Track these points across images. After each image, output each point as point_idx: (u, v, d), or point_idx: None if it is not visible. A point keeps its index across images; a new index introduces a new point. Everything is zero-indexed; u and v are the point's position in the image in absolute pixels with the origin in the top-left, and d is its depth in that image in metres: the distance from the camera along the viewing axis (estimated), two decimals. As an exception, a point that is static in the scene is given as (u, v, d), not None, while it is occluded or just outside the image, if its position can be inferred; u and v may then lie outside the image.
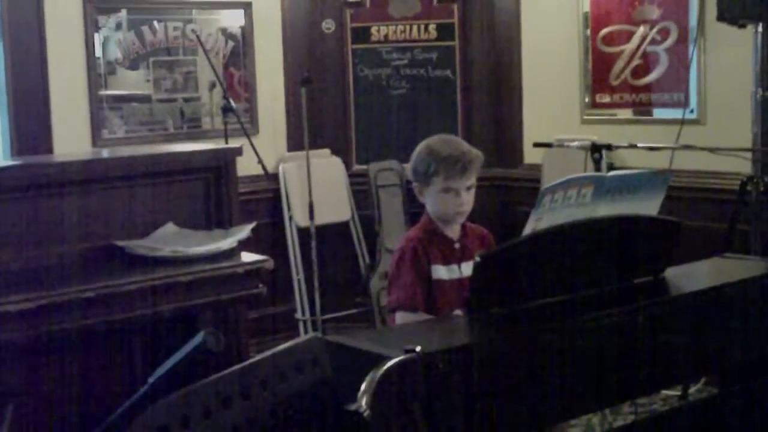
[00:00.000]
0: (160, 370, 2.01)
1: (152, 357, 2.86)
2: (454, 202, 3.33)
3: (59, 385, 3.11)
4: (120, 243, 3.32)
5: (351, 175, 6.68)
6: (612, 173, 2.84)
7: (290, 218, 6.40)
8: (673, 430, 2.97)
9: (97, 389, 3.14)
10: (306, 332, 6.24)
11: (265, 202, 6.42)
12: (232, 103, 5.97)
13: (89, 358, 3.16)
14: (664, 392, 4.68)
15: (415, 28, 6.67)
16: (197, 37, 6.08)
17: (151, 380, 2.01)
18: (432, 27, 6.66)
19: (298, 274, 6.39)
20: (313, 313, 6.29)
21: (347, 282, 6.64)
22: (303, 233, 6.31)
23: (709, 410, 3.11)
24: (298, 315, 6.38)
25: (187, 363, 1.96)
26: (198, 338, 1.93)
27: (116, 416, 2.06)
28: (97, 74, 5.87)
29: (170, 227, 3.46)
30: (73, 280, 3.06)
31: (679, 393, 4.72)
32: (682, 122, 5.45)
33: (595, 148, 4.38)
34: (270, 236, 6.19)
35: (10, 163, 3.52)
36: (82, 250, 3.31)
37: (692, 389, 4.73)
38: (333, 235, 6.53)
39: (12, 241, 3.19)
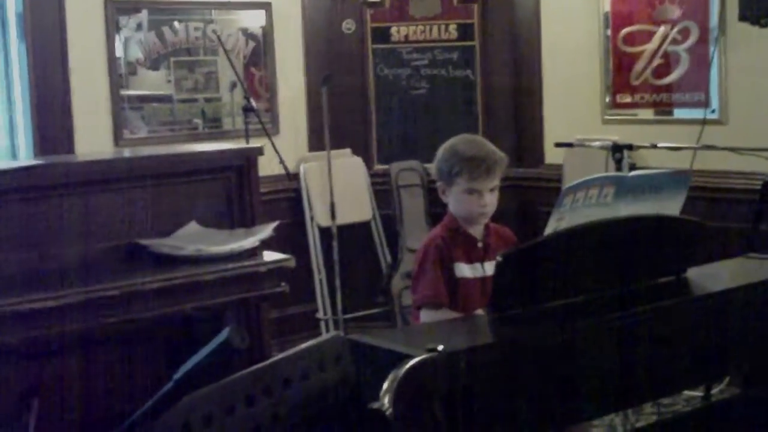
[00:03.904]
0: (185, 367, 2.02)
1: (175, 355, 2.87)
2: (477, 203, 3.33)
3: (83, 382, 3.13)
4: (143, 242, 3.34)
5: (372, 175, 6.69)
6: (633, 173, 2.84)
7: (311, 218, 6.41)
8: (695, 430, 2.97)
9: (120, 386, 3.16)
10: (327, 332, 6.25)
11: (286, 202, 6.43)
12: (253, 104, 5.99)
13: (113, 356, 3.18)
14: (687, 393, 4.64)
15: (435, 28, 6.67)
16: (218, 37, 6.10)
17: (175, 377, 2.02)
18: (452, 27, 6.66)
19: (319, 274, 6.39)
20: (334, 312, 6.30)
21: (368, 282, 6.65)
22: (324, 233, 6.32)
23: (732, 411, 3.10)
24: (320, 314, 6.39)
25: (211, 360, 1.97)
26: (223, 335, 1.94)
27: (140, 413, 2.07)
28: (118, 75, 5.89)
29: (193, 226, 3.47)
30: (96, 279, 3.07)
31: (701, 393, 4.70)
32: (704, 122, 5.44)
33: (617, 148, 4.38)
34: (291, 236, 6.19)
35: (33, 162, 3.54)
36: (105, 248, 3.32)
37: (715, 390, 4.70)
38: (354, 235, 6.53)
39: (35, 240, 3.21)
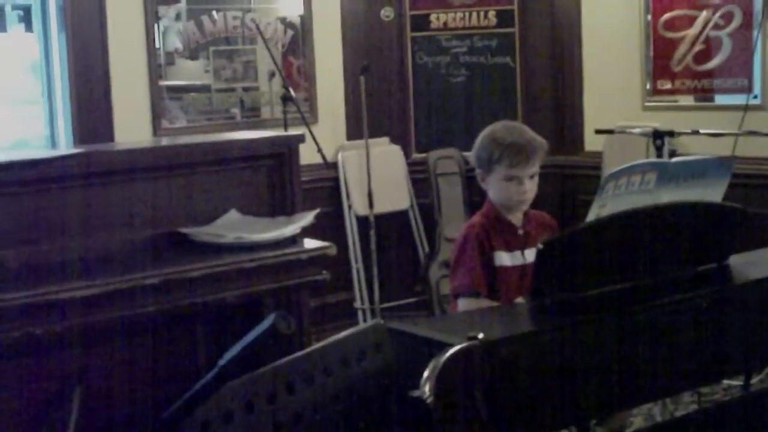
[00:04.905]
0: (230, 353, 2.03)
1: (217, 343, 2.89)
2: (516, 190, 3.32)
3: (126, 370, 3.15)
4: (184, 230, 3.35)
5: (410, 164, 6.68)
6: (675, 159, 2.82)
7: (349, 207, 6.41)
8: (734, 419, 2.94)
9: (162, 374, 3.17)
10: (365, 321, 6.26)
11: (325, 191, 6.44)
12: (292, 92, 5.99)
13: (154, 344, 3.20)
14: (726, 382, 4.63)
15: (474, 15, 6.65)
16: (256, 26, 6.12)
17: (221, 363, 2.03)
18: (491, 14, 6.64)
19: (357, 263, 6.40)
20: (371, 301, 6.31)
21: (406, 271, 6.65)
22: (362, 222, 6.33)
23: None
24: (357, 304, 6.40)
25: (257, 345, 1.98)
26: (268, 321, 1.95)
27: (185, 399, 2.09)
28: (157, 65, 5.92)
29: (234, 214, 3.48)
30: (138, 267, 3.08)
31: (741, 383, 4.66)
32: (746, 108, 5.39)
33: (657, 135, 4.34)
34: (329, 225, 6.19)
35: (73, 151, 3.56)
36: (146, 237, 3.33)
37: (755, 379, 4.67)
38: (392, 224, 6.54)
39: (77, 229, 3.23)
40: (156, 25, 5.91)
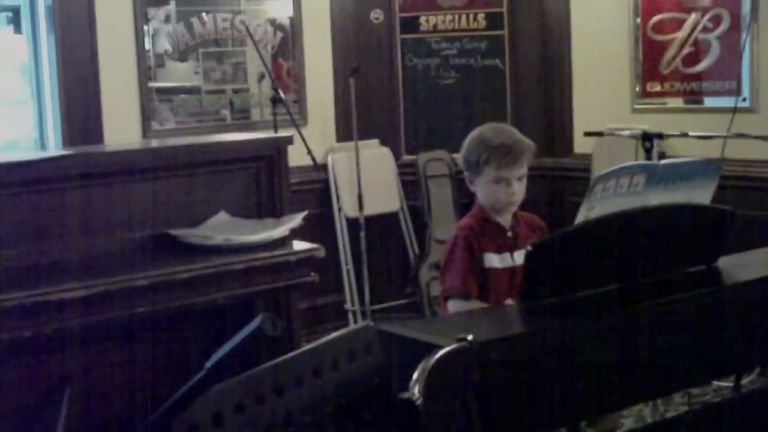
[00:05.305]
0: (218, 355, 2.03)
1: (206, 345, 2.89)
2: (505, 192, 3.32)
3: (115, 371, 3.15)
4: (173, 232, 3.35)
5: (400, 166, 6.68)
6: (664, 161, 2.82)
7: (339, 209, 6.41)
8: (725, 420, 2.94)
9: (150, 376, 3.17)
10: (355, 322, 6.26)
11: (314, 193, 6.43)
12: (281, 94, 5.99)
13: (144, 345, 3.20)
14: (717, 383, 4.63)
15: (463, 17, 6.65)
16: (246, 28, 6.11)
17: (208, 365, 2.03)
18: (481, 16, 6.64)
19: (347, 265, 6.40)
20: (362, 303, 6.31)
21: (396, 272, 6.65)
22: (352, 224, 6.33)
23: (763, 401, 3.08)
24: (347, 305, 6.40)
25: (244, 347, 1.98)
26: (255, 322, 1.94)
27: (172, 402, 2.08)
28: (146, 67, 5.91)
29: (222, 216, 3.48)
30: (127, 269, 3.09)
31: (732, 383, 4.66)
32: (735, 110, 5.40)
33: (646, 137, 4.34)
34: (319, 227, 6.20)
35: (62, 152, 3.55)
36: (135, 239, 3.33)
37: (745, 380, 4.67)
38: (382, 226, 6.54)
39: (66, 231, 3.23)
40: (145, 27, 5.90)
